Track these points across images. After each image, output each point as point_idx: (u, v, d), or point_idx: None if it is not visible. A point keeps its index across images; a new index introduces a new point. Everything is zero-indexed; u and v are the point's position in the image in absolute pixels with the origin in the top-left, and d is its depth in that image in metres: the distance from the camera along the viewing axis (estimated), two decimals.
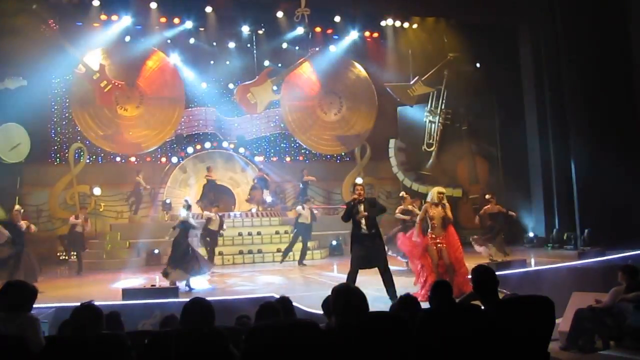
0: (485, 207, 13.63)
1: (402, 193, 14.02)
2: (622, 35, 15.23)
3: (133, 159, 18.68)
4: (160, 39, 17.85)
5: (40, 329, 4.07)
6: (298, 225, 14.78)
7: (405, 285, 9.34)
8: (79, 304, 3.95)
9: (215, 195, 17.06)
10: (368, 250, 8.72)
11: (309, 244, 14.97)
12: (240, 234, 16.00)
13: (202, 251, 12.94)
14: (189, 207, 11.78)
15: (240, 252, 15.38)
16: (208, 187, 17.20)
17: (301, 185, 18.27)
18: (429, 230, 9.30)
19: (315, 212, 15.33)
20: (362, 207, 8.82)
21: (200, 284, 11.27)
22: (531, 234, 17.15)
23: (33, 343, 3.70)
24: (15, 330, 3.84)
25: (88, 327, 3.70)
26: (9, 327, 3.89)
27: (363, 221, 8.78)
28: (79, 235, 14.30)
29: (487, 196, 13.86)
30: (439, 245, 9.15)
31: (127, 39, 17.55)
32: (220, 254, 14.82)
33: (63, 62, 16.49)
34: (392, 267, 9.11)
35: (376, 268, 8.80)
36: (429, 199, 9.56)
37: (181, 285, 10.58)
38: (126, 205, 18.03)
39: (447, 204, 9.40)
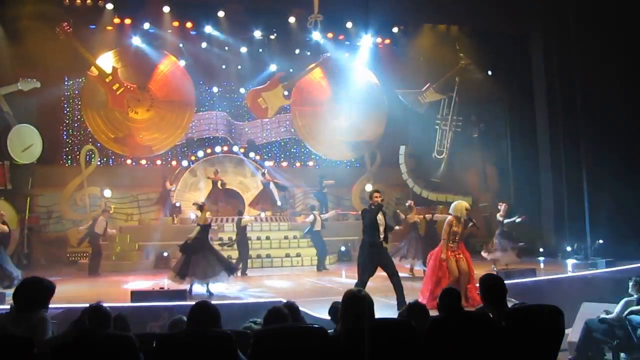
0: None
1: (410, 202, 14.09)
2: (636, 44, 15.14)
3: (144, 162, 18.79)
4: (172, 42, 17.97)
5: (49, 329, 4.09)
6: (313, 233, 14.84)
7: (413, 293, 9.30)
8: (87, 305, 3.97)
9: (217, 197, 17.20)
10: (380, 257, 8.73)
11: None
12: (249, 239, 15.97)
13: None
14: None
15: (249, 257, 15.35)
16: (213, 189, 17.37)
17: (318, 194, 18.21)
18: (450, 243, 9.16)
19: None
20: (381, 215, 8.78)
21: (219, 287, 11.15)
22: (541, 244, 17.02)
23: (40, 343, 3.72)
24: (26, 331, 3.85)
25: (96, 328, 3.72)
26: (20, 327, 3.90)
27: (381, 229, 8.74)
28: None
29: (499, 204, 13.95)
30: (459, 256, 9.09)
31: (140, 42, 17.68)
32: (229, 257, 14.82)
33: (76, 64, 16.67)
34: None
35: (385, 274, 8.80)
36: (452, 212, 9.34)
37: (201, 288, 10.56)
38: (136, 207, 18.13)
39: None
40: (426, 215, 13.74)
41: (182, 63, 18.34)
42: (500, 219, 13.45)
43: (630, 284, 6.99)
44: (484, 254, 13.45)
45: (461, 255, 9.12)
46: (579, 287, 10.73)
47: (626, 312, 6.75)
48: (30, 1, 14.80)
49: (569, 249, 16.00)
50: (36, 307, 4.13)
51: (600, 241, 14.77)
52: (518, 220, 13.51)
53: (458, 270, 8.96)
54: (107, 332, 3.76)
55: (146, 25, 17.31)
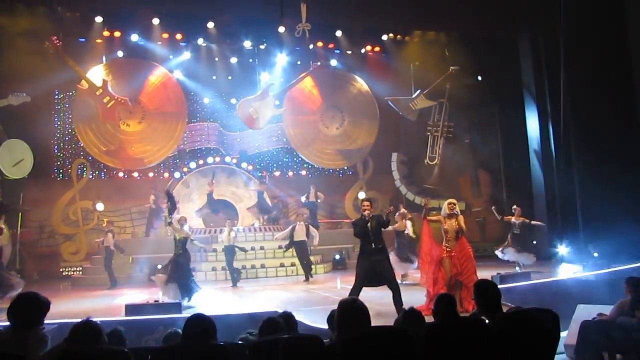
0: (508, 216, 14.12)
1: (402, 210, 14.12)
2: (623, 47, 15.25)
3: (136, 174, 18.74)
4: (163, 54, 17.97)
5: (44, 347, 4.04)
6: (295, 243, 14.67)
7: (410, 299, 9.28)
8: (79, 320, 3.94)
9: (215, 209, 17.20)
10: (375, 266, 8.64)
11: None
12: (243, 249, 15.91)
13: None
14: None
15: (243, 267, 15.29)
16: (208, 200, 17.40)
17: (308, 203, 18.16)
18: (444, 242, 9.48)
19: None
20: (370, 224, 8.74)
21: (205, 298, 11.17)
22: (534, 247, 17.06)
23: None
24: (21, 349, 3.80)
25: (88, 344, 3.68)
26: (16, 346, 3.85)
27: (372, 237, 8.71)
28: (112, 252, 14.44)
29: (513, 207, 14.21)
30: (452, 255, 9.27)
31: (130, 54, 17.66)
32: (223, 269, 14.79)
33: (66, 78, 16.60)
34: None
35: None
36: (442, 212, 9.73)
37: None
38: (129, 220, 18.06)
39: (460, 215, 9.72)
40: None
41: (173, 74, 18.34)
42: (517, 221, 13.79)
43: (625, 285, 7.00)
44: (498, 252, 13.89)
45: (453, 254, 9.30)
46: (573, 289, 10.72)
47: (621, 314, 6.75)
48: (19, 15, 14.80)
49: (562, 252, 16.04)
50: (32, 324, 4.08)
51: (595, 254, 14.79)
52: (534, 223, 13.98)
53: (452, 268, 9.15)
54: (99, 347, 3.72)
55: (136, 38, 17.31)
